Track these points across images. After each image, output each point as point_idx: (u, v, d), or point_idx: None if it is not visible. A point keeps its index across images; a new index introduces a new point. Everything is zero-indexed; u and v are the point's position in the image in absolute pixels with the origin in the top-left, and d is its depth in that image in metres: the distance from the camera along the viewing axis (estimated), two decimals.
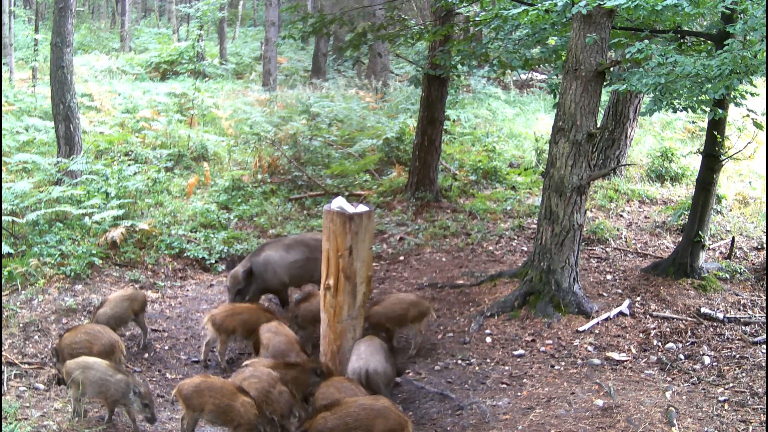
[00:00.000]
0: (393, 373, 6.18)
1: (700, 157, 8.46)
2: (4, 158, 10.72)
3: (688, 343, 7.00)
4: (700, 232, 8.32)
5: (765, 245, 9.49)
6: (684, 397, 5.73)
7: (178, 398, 5.45)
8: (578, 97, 7.24)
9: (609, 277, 8.64)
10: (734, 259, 9.11)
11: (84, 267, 8.16)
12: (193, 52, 18.63)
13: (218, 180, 11.41)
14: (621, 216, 10.73)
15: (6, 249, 8.07)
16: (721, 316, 7.45)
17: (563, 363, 6.71)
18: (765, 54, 6.19)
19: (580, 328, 7.23)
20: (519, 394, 6.18)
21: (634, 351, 6.90)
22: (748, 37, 7.19)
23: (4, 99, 13.79)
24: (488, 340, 7.29)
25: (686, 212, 9.48)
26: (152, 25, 31.32)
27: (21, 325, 7.10)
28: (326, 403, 5.29)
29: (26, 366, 6.37)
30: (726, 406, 5.59)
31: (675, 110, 7.31)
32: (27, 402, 5.69)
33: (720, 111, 7.46)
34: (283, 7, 16.61)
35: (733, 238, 9.47)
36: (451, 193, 11.32)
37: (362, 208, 6.02)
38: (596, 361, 6.70)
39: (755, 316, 7.50)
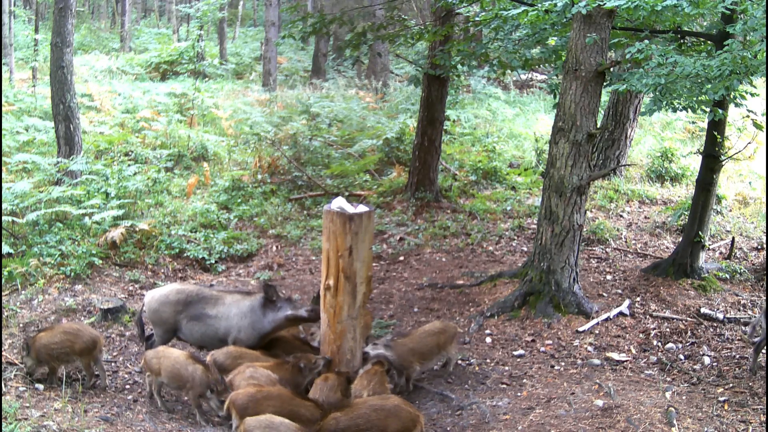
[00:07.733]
0: None
1: (700, 157, 8.46)
2: (4, 158, 10.72)
3: (688, 344, 7.01)
4: (700, 233, 8.32)
5: (765, 245, 9.49)
6: (684, 397, 5.73)
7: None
8: (578, 98, 7.24)
9: (609, 277, 8.63)
10: (734, 259, 9.11)
11: (84, 267, 8.16)
12: (193, 52, 18.65)
13: (218, 180, 11.41)
14: (621, 216, 10.73)
15: (6, 249, 8.08)
16: (721, 316, 7.46)
17: (563, 363, 6.71)
18: (765, 54, 6.19)
19: (580, 329, 7.23)
20: (519, 394, 6.18)
21: (634, 351, 6.90)
22: (748, 38, 7.21)
23: (4, 99, 13.79)
24: (488, 340, 7.29)
25: (686, 212, 9.47)
26: (152, 25, 31.32)
27: (21, 325, 7.10)
28: (337, 404, 5.32)
29: None
30: (726, 407, 5.59)
31: (675, 110, 7.32)
32: (27, 402, 5.67)
33: (720, 111, 7.46)
34: (283, 7, 16.61)
35: (733, 238, 9.47)
36: (451, 194, 11.31)
37: (362, 208, 6.01)
38: (596, 361, 6.70)
39: (755, 317, 7.49)
